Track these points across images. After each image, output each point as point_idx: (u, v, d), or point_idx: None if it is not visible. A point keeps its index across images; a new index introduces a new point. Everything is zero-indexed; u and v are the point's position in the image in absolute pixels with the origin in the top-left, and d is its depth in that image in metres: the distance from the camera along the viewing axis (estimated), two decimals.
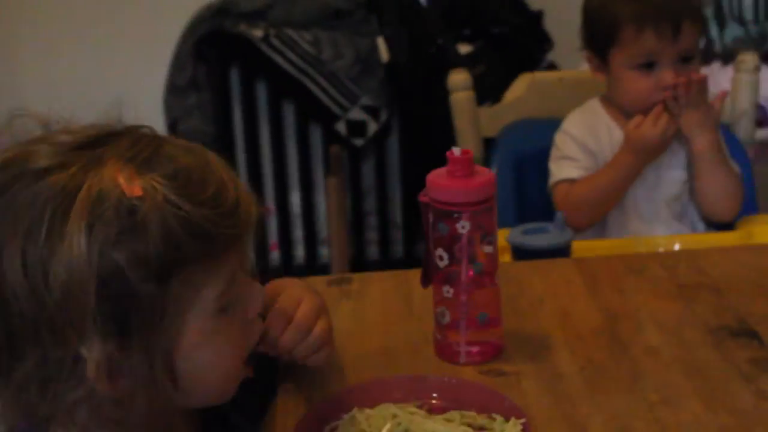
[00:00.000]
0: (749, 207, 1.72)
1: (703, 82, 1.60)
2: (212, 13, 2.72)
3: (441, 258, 1.08)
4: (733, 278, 1.27)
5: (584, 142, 1.66)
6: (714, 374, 1.07)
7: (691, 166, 1.66)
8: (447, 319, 1.10)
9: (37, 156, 0.78)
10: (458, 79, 1.81)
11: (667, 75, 1.57)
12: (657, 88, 1.59)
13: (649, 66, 1.59)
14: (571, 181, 1.66)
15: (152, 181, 0.78)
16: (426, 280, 1.13)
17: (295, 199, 2.96)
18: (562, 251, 1.42)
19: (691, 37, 1.57)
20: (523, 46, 2.65)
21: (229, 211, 0.81)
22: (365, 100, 2.84)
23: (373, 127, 2.85)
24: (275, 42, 2.72)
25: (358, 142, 2.85)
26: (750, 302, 1.21)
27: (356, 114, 2.84)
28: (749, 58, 1.80)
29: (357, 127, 2.84)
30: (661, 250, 1.53)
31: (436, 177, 1.08)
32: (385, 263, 2.96)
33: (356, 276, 1.34)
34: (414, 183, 2.97)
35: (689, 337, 1.15)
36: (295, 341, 0.97)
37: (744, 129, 1.80)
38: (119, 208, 0.76)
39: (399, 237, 3.07)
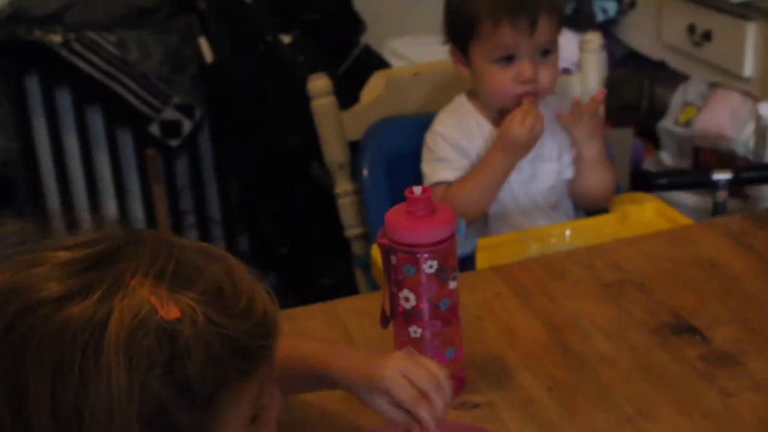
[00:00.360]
0: None
1: (600, 101, 1.64)
2: (2, 22, 2.51)
3: (407, 299, 1.05)
4: (651, 272, 1.31)
5: (456, 141, 1.66)
6: (674, 378, 1.11)
7: (572, 167, 1.70)
8: None
9: (42, 282, 0.69)
10: (319, 85, 1.76)
11: (525, 68, 1.58)
12: (516, 82, 1.59)
13: (508, 59, 1.59)
14: (447, 183, 1.65)
15: (188, 299, 0.70)
16: (386, 321, 1.10)
17: (111, 207, 2.82)
18: (471, 260, 1.42)
19: (548, 30, 1.58)
20: (337, 30, 2.62)
21: (260, 320, 0.74)
22: (178, 99, 2.72)
23: (188, 126, 2.74)
24: (76, 46, 2.55)
25: (174, 142, 2.74)
26: (677, 295, 1.26)
27: (170, 114, 2.72)
28: (593, 38, 1.86)
29: (171, 128, 2.73)
30: (553, 240, 1.57)
31: (396, 218, 1.04)
32: None
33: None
34: (229, 178, 2.96)
35: (636, 341, 1.18)
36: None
37: None
38: (159, 334, 0.68)
39: (219, 233, 3.00)
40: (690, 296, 1.25)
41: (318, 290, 2.61)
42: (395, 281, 1.06)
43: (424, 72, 1.86)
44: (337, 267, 2.59)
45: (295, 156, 2.44)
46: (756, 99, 2.36)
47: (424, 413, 0.90)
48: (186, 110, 2.72)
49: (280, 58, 2.32)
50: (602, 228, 1.63)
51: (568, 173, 1.70)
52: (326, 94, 1.77)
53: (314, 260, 2.62)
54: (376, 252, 1.51)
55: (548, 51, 1.61)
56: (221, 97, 2.50)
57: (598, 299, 1.26)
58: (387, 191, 1.77)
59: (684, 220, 1.62)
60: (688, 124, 2.53)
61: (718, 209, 1.85)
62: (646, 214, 1.67)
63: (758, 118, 2.15)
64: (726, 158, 2.40)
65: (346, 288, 1.85)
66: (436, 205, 1.05)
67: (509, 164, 1.62)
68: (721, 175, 1.84)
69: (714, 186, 1.85)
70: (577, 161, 1.68)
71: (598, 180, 1.67)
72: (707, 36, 2.46)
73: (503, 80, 1.60)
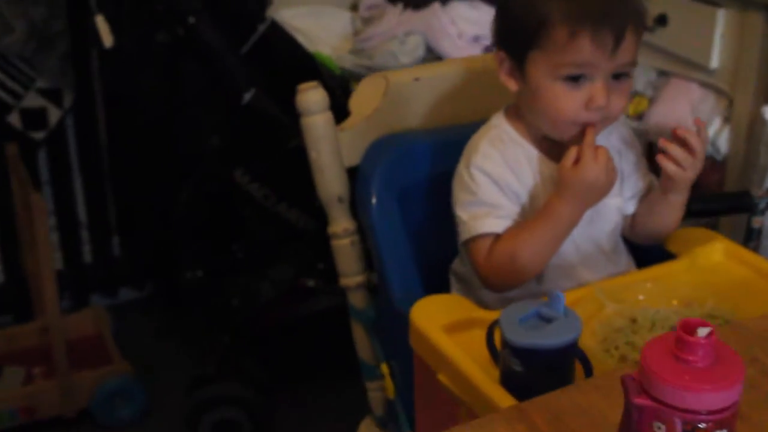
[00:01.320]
0: None
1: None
2: None
3: None
4: None
5: (506, 181, 1.33)
6: None
7: (634, 200, 1.41)
8: None
9: None
10: (312, 97, 1.38)
11: (598, 93, 1.26)
12: (584, 107, 1.27)
13: (577, 79, 1.27)
14: (495, 236, 1.33)
15: None
16: None
17: None
18: (576, 346, 1.11)
19: (632, 49, 1.27)
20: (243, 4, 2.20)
21: None
22: (42, 83, 2.23)
23: (55, 115, 2.25)
24: None
25: (38, 135, 2.25)
26: None
27: (32, 100, 2.23)
28: None
29: (35, 117, 2.24)
30: (630, 296, 1.28)
31: (664, 369, 0.71)
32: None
33: None
34: (100, 177, 2.49)
35: None
36: None
37: None
38: None
39: (86, 237, 2.56)
40: None
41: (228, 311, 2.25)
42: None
43: (426, 77, 1.50)
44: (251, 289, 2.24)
45: (215, 160, 2.03)
46: (723, 93, 2.15)
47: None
48: (52, 96, 2.23)
49: (201, 44, 1.89)
50: (677, 276, 1.35)
51: (630, 208, 1.41)
52: (321, 110, 1.39)
53: (232, 281, 2.22)
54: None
55: (624, 74, 1.29)
56: (119, 88, 2.04)
57: None
58: (402, 229, 1.42)
59: (765, 264, 1.37)
60: (639, 116, 2.29)
61: (752, 236, 1.62)
62: (715, 256, 1.40)
63: (763, 123, 1.93)
64: None
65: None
66: (717, 345, 0.73)
67: (578, 214, 1.30)
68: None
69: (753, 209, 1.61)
70: (654, 197, 1.39)
71: (672, 219, 1.40)
72: (661, 20, 2.22)
73: (569, 104, 1.27)
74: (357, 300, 1.49)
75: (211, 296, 2.29)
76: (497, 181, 1.32)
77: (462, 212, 1.34)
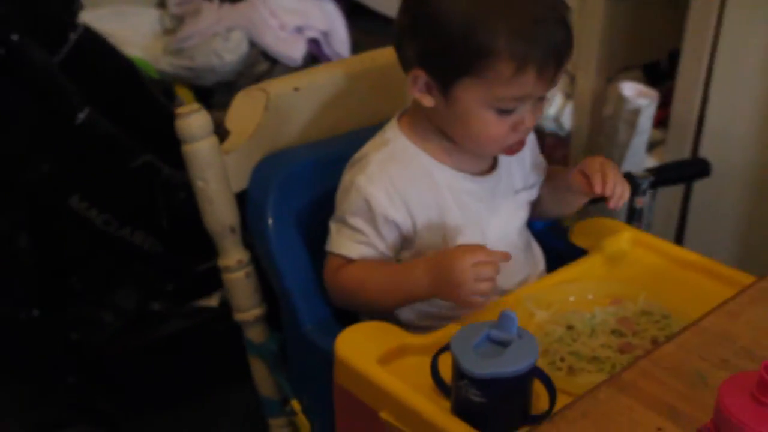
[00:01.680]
0: None
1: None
2: None
3: None
4: None
5: (383, 211, 1.23)
6: None
7: (537, 187, 1.38)
8: None
9: None
10: (195, 121, 1.24)
11: (528, 118, 1.21)
12: (512, 131, 1.21)
13: (510, 110, 1.20)
14: (348, 260, 1.26)
15: None
16: None
17: None
18: (537, 368, 1.05)
19: (561, 75, 1.22)
20: (51, 12, 1.99)
21: None
22: None
23: None
24: None
25: None
26: None
27: None
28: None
29: None
30: (557, 302, 1.24)
31: (744, 411, 0.65)
32: None
33: None
34: None
35: None
36: None
37: None
38: None
39: None
40: None
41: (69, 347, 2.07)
42: None
43: (306, 85, 1.39)
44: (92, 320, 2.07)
45: (47, 188, 1.83)
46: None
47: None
48: None
49: (26, 62, 1.69)
50: (595, 272, 1.32)
51: (534, 194, 1.37)
52: (206, 135, 1.26)
53: (71, 314, 2.03)
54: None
55: (544, 96, 1.24)
56: None
57: None
58: (303, 253, 1.31)
59: (673, 249, 1.36)
60: None
61: (635, 216, 1.61)
62: (623, 245, 1.38)
63: (621, 100, 1.93)
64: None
65: None
66: None
67: (431, 292, 1.20)
68: None
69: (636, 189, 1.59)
70: (558, 185, 1.37)
71: (577, 202, 1.38)
72: None
73: (498, 130, 1.20)
74: (255, 334, 1.37)
75: (49, 334, 2.10)
76: (373, 209, 1.23)
77: (332, 222, 1.27)
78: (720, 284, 1.27)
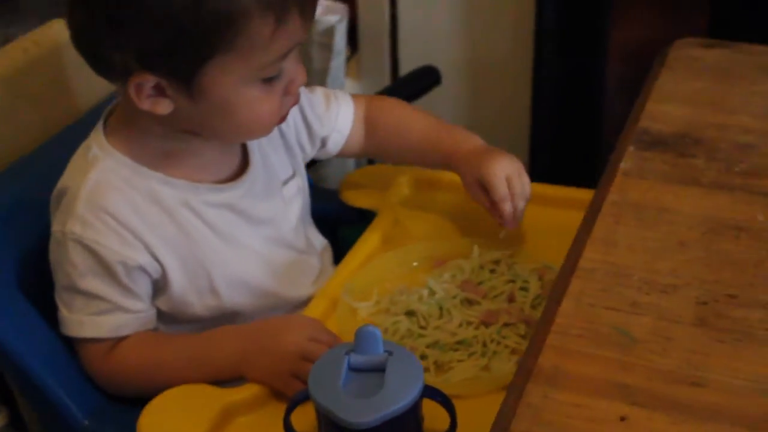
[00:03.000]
0: None
1: None
2: None
3: None
4: None
5: (122, 258, 0.93)
6: None
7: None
8: None
9: None
10: None
11: (299, 72, 0.93)
12: (287, 95, 0.94)
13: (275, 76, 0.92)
14: (112, 340, 0.96)
15: None
16: None
17: None
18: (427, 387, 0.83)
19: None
20: None
21: None
22: None
23: None
24: None
25: None
26: None
27: None
28: None
29: None
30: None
31: None
32: None
33: None
34: None
35: None
36: None
37: None
38: None
39: None
40: None
41: None
42: None
43: None
44: None
45: None
46: None
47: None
48: None
49: None
50: (395, 232, 1.11)
51: (303, 180, 1.12)
52: None
53: None
54: None
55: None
56: None
57: None
58: (42, 329, 0.98)
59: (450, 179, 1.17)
60: None
61: None
62: (405, 190, 1.18)
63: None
64: None
65: None
66: None
67: (231, 366, 0.93)
68: None
69: None
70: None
71: None
72: None
73: (272, 103, 0.93)
74: None
75: None
76: (106, 259, 0.93)
77: (58, 296, 0.97)
78: (539, 206, 1.11)
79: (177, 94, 0.90)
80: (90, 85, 1.17)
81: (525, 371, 0.79)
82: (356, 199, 1.18)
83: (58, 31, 1.15)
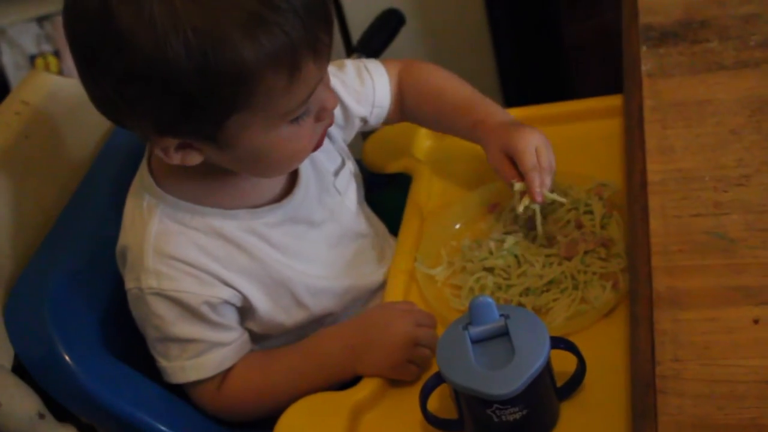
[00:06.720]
0: None
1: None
2: None
3: None
4: None
5: (207, 299, 0.94)
6: None
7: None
8: None
9: None
10: None
11: (328, 97, 0.92)
12: (318, 122, 0.93)
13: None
14: (219, 376, 0.97)
15: None
16: None
17: None
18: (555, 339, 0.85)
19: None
20: None
21: None
22: None
23: None
24: None
25: None
26: None
27: None
28: None
29: None
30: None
31: None
32: None
33: None
34: None
35: None
36: None
37: None
38: None
39: None
40: None
41: None
42: None
43: None
44: None
45: None
46: None
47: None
48: None
49: None
50: (437, 190, 1.12)
51: (353, 165, 1.12)
52: None
53: None
54: None
55: None
56: None
57: None
58: (132, 377, 0.99)
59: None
60: None
61: None
62: (427, 143, 1.19)
63: None
64: None
65: None
66: None
67: (342, 365, 0.96)
68: None
69: None
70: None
71: None
72: None
73: (304, 136, 0.92)
74: None
75: None
76: (190, 304, 0.93)
77: (153, 349, 0.97)
78: (556, 125, 1.12)
79: (204, 146, 0.89)
80: (89, 126, 1.15)
81: (643, 299, 0.81)
82: (383, 164, 1.19)
83: (41, 84, 1.13)
